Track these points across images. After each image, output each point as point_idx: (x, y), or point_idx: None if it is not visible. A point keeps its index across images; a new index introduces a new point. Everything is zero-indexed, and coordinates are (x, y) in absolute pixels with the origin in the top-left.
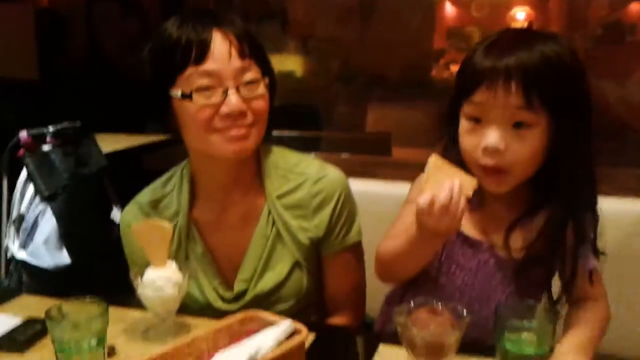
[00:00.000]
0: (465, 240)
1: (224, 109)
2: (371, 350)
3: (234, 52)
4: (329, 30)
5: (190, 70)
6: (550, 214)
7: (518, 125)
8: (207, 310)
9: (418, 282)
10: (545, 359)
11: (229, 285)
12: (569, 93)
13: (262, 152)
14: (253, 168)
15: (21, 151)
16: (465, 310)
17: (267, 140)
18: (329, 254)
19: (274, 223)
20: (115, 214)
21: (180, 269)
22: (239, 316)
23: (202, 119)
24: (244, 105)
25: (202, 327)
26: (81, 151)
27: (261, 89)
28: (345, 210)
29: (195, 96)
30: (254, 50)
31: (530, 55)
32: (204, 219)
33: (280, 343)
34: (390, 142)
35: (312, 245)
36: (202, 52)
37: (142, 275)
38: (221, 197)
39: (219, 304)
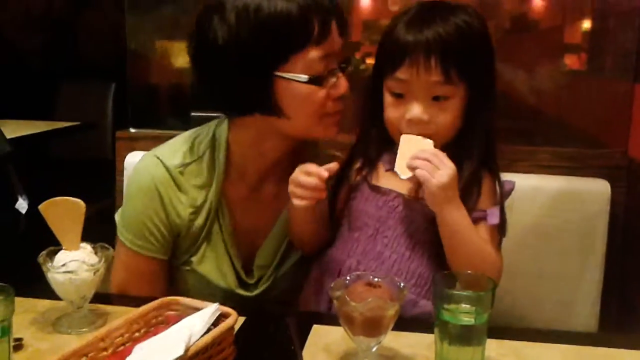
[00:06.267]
0: (376, 189)
1: (339, 91)
2: (305, 332)
3: (339, 29)
4: None
5: (312, 52)
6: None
7: (437, 98)
8: (228, 298)
9: (333, 242)
10: (483, 331)
11: (248, 270)
12: (481, 61)
13: None
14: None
15: None
16: (402, 283)
17: (181, 121)
18: None
19: None
20: (21, 204)
21: (95, 250)
22: (155, 303)
23: (318, 103)
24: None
25: (119, 315)
26: None
27: (349, 67)
28: None
29: (324, 82)
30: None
31: (446, 28)
32: (236, 196)
33: (209, 329)
34: None
35: None
36: (325, 31)
37: (52, 258)
38: (257, 175)
39: (240, 291)
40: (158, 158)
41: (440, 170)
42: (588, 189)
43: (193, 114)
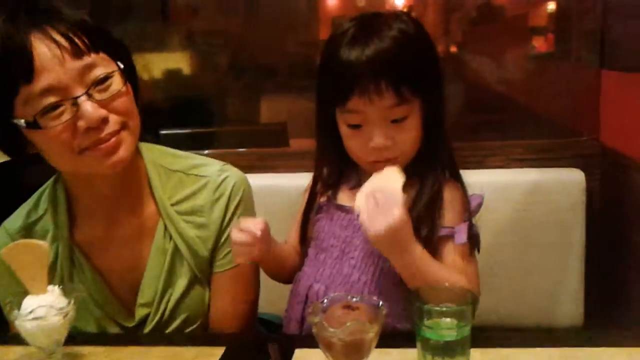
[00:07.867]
0: (341, 208)
1: (82, 124)
2: (287, 357)
3: (66, 53)
4: (213, 24)
5: (24, 92)
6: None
7: (395, 120)
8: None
9: (302, 269)
10: (466, 343)
11: (129, 312)
12: (427, 68)
13: (146, 155)
14: (139, 174)
15: None
16: (381, 302)
17: (149, 141)
18: (220, 270)
19: (171, 237)
20: None
21: (65, 292)
22: None
23: (62, 143)
24: (102, 110)
25: (94, 356)
26: None
27: (117, 83)
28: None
29: (41, 122)
30: (94, 40)
31: (384, 46)
32: (89, 240)
33: None
34: (287, 133)
35: (211, 257)
36: (26, 66)
37: (18, 305)
38: (107, 213)
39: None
40: (2, 228)
41: (382, 219)
42: (562, 179)
43: (162, 132)
